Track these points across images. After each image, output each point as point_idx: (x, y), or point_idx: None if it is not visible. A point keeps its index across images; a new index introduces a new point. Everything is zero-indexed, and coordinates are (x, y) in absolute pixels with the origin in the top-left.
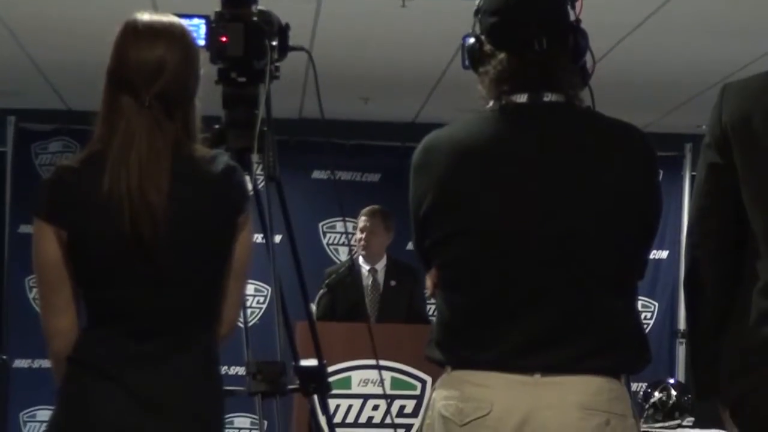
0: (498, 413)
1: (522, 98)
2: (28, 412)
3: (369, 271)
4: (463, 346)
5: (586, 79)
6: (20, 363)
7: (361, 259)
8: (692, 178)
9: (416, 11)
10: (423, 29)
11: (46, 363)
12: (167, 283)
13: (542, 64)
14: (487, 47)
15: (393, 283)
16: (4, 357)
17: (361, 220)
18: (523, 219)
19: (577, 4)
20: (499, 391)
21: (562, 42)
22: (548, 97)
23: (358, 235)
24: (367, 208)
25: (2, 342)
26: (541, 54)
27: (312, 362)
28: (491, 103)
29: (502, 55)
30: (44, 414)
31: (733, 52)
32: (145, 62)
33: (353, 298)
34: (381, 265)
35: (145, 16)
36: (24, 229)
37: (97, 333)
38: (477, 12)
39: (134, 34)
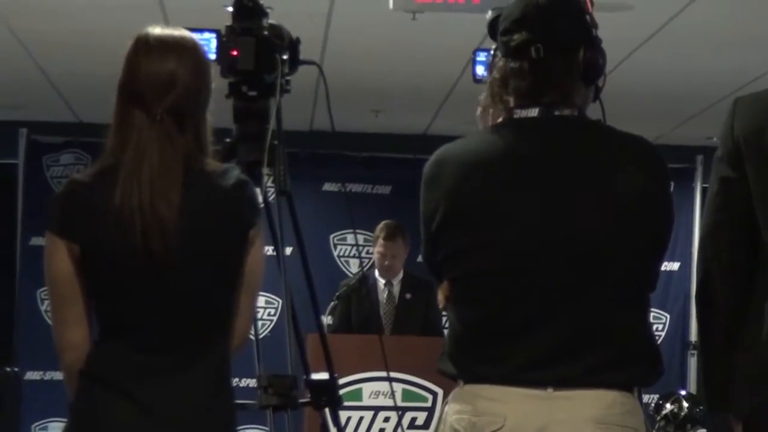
0: (511, 427)
1: (533, 112)
2: (40, 425)
3: (385, 284)
4: (475, 361)
5: (597, 93)
6: (32, 375)
7: (376, 272)
8: (703, 190)
9: (427, 24)
10: (433, 42)
11: (57, 375)
12: (179, 296)
13: (546, 74)
14: (497, 57)
15: (408, 296)
16: (16, 369)
17: (380, 244)
18: (535, 233)
19: (590, 16)
20: (512, 405)
21: (569, 54)
22: (560, 111)
23: (380, 259)
24: (385, 230)
25: (14, 354)
26: (540, 62)
27: (323, 375)
28: (501, 118)
29: (502, 62)
30: (56, 426)
31: (744, 64)
32: (157, 76)
33: (368, 310)
34: (397, 279)
35: (157, 30)
36: (36, 241)
37: (108, 346)
38: (493, 24)
39: (146, 47)
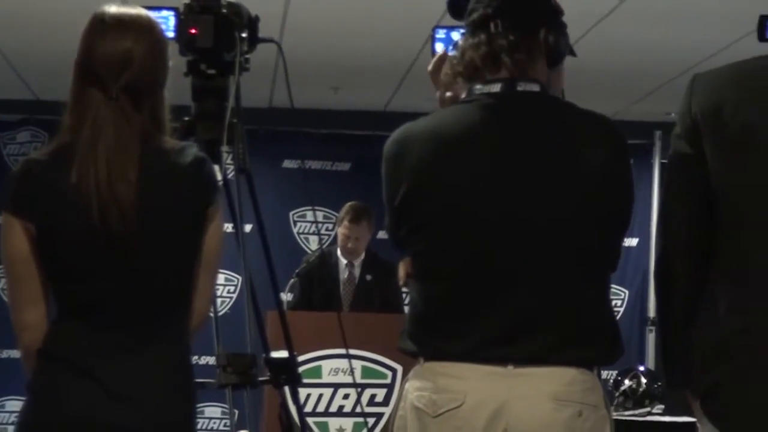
0: (471, 404)
1: (496, 87)
2: None
3: (347, 264)
4: (435, 337)
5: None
6: None
7: (338, 250)
8: (662, 165)
9: (386, 1)
10: (393, 19)
11: (15, 353)
12: (137, 275)
13: (509, 50)
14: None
15: (369, 277)
16: None
17: (345, 227)
18: (496, 209)
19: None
20: (473, 382)
21: (529, 31)
22: (522, 86)
23: (344, 240)
24: (351, 213)
25: None
26: (498, 36)
27: (282, 353)
28: (464, 93)
29: (470, 39)
30: (14, 404)
31: (702, 40)
32: (113, 54)
33: (328, 288)
34: (359, 260)
35: (113, 9)
36: None
37: (66, 325)
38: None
39: (101, 26)
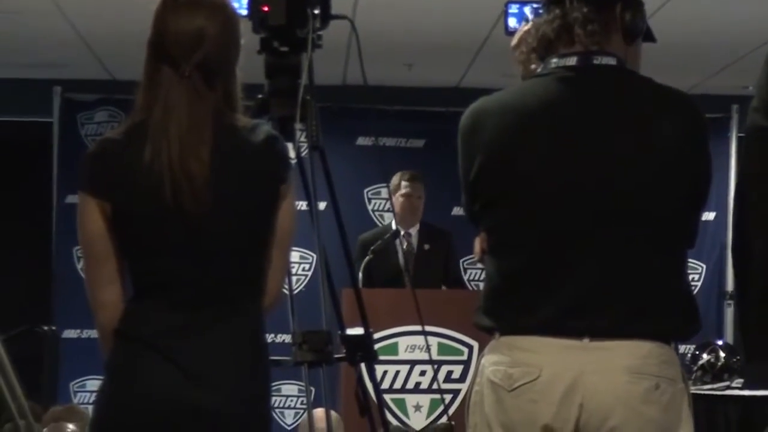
0: (547, 378)
1: (571, 60)
2: (78, 382)
3: (403, 235)
4: (511, 311)
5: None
6: (69, 333)
7: (393, 224)
8: (739, 139)
9: None
10: None
11: (95, 333)
12: (210, 253)
13: (584, 24)
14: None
15: (427, 246)
16: (54, 327)
17: (405, 186)
18: (571, 182)
19: None
20: (548, 355)
21: (605, 7)
22: (598, 60)
23: (406, 201)
24: (406, 173)
25: (51, 312)
26: (583, 15)
27: (358, 330)
28: (539, 68)
29: (545, 15)
30: (94, 384)
31: None
32: (185, 33)
33: (391, 265)
34: (414, 230)
35: None
36: (71, 199)
37: (142, 305)
38: None
39: (174, 4)
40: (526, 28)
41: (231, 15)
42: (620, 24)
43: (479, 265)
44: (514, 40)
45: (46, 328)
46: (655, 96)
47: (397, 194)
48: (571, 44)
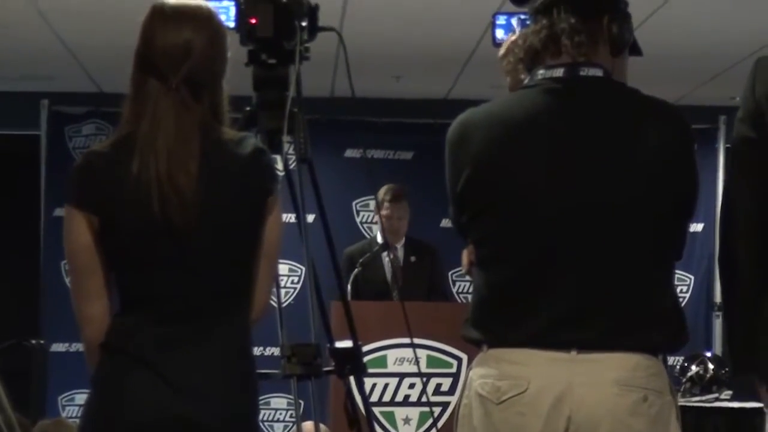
0: (535, 390)
1: (558, 72)
2: (66, 396)
3: (389, 249)
4: (499, 323)
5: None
6: (58, 347)
7: (379, 237)
8: (726, 150)
9: None
10: (453, 6)
11: (83, 346)
12: (198, 266)
13: (571, 35)
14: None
15: (413, 259)
16: (42, 341)
17: (386, 207)
18: (558, 193)
19: None
20: (536, 368)
21: (592, 18)
22: (585, 71)
23: (388, 222)
24: (390, 193)
25: (40, 326)
26: (570, 26)
27: (347, 343)
28: (527, 79)
29: (533, 26)
30: (83, 397)
31: (766, 24)
32: (172, 45)
33: (378, 278)
34: (400, 243)
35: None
36: (59, 212)
37: (128, 318)
38: None
39: (161, 16)
40: (513, 38)
41: (218, 28)
42: (607, 35)
43: (468, 278)
44: (502, 50)
45: (34, 341)
46: (642, 108)
47: (382, 210)
48: (558, 55)
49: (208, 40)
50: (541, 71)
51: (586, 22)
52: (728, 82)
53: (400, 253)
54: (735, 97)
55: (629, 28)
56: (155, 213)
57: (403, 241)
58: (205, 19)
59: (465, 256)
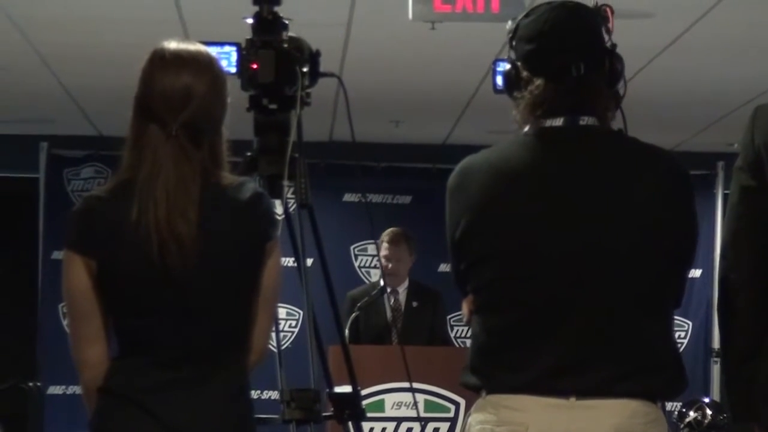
0: None
1: (558, 122)
2: None
3: (390, 292)
4: (498, 369)
5: (618, 101)
6: (54, 389)
7: (381, 282)
8: (725, 196)
9: (445, 34)
10: (452, 52)
11: (80, 389)
12: (196, 312)
13: (579, 88)
14: (524, 73)
15: (415, 304)
16: (39, 383)
17: (385, 248)
18: (555, 243)
19: (609, 26)
20: (535, 414)
21: (598, 66)
22: (584, 120)
23: (384, 262)
24: (390, 235)
25: (36, 368)
26: (578, 79)
27: (346, 388)
28: (527, 127)
29: (539, 81)
30: None
31: (765, 70)
32: (172, 91)
33: (379, 321)
34: (403, 287)
35: (173, 45)
36: (57, 255)
37: (126, 362)
38: (512, 38)
39: (161, 62)
40: None
41: (218, 73)
42: (608, 73)
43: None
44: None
45: (31, 384)
46: (640, 155)
47: (381, 251)
48: (561, 105)
49: (208, 86)
50: (542, 120)
51: (597, 69)
52: (726, 128)
53: (402, 296)
54: (733, 144)
55: (621, 60)
56: (154, 259)
57: (406, 284)
58: (205, 64)
59: (465, 306)
